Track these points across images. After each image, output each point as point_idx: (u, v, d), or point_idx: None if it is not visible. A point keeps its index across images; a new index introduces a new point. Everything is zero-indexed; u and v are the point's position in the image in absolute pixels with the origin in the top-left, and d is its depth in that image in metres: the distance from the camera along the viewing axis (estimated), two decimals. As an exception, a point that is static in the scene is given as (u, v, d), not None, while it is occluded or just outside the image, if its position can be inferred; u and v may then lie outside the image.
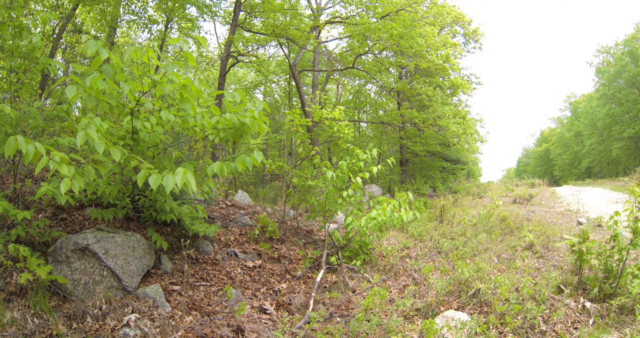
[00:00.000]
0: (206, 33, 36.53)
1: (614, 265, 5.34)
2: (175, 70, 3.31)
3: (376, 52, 17.84)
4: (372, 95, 28.33)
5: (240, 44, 18.52)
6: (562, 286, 5.71)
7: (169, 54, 20.91)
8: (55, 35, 13.63)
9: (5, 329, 3.58)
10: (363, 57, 19.29)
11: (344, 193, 6.36)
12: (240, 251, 6.26)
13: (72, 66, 16.01)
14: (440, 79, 20.97)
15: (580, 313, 5.04)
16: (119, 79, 3.20)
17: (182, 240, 4.95)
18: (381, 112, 27.10)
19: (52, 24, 13.70)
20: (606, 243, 5.56)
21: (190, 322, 4.10)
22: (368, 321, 4.34)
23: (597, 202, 15.59)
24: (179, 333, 3.69)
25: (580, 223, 10.85)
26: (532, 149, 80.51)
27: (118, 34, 18.84)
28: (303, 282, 5.97)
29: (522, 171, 69.63)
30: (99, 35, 16.01)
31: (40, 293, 3.93)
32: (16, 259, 4.18)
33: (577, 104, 54.31)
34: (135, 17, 16.48)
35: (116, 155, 2.94)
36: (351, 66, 17.34)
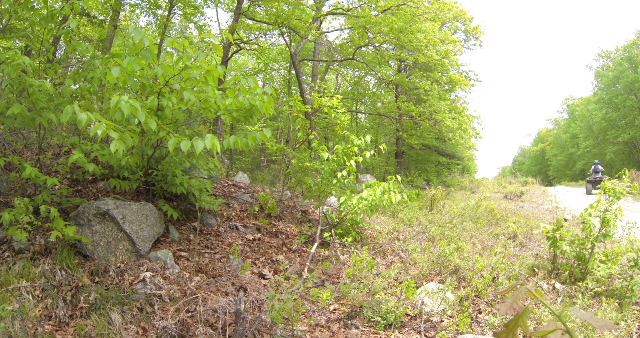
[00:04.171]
0: (209, 20, 36.76)
1: (586, 253, 5.83)
2: (203, 58, 3.82)
3: (376, 44, 18.12)
4: (371, 87, 28.63)
5: (242, 31, 18.83)
6: (535, 269, 6.24)
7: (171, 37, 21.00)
8: (61, 19, 13.86)
9: (34, 281, 4.06)
10: (363, 49, 19.57)
11: (339, 174, 6.88)
12: (241, 225, 6.77)
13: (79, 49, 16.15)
14: (439, 74, 21.27)
15: (550, 293, 5.57)
16: (153, 63, 3.69)
17: (191, 211, 5.42)
18: (379, 104, 27.43)
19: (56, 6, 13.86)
20: (581, 230, 6.05)
21: (198, 281, 4.60)
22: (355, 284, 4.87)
23: (586, 201, 15.95)
24: (192, 284, 4.20)
25: (565, 220, 11.30)
26: (528, 148, 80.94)
27: (119, 17, 18.92)
28: (298, 255, 6.49)
29: (518, 169, 70.02)
30: (101, 18, 16.15)
31: (65, 252, 4.41)
32: (44, 221, 4.66)
33: (574, 107, 54.59)
34: (139, 1, 16.59)
35: (152, 125, 3.43)
36: (351, 57, 17.64)
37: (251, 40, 19.79)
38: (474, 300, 5.12)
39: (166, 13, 16.65)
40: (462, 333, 4.18)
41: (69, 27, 4.38)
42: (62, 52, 7.13)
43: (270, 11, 15.30)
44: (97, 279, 4.22)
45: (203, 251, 5.65)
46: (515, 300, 1.26)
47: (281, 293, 4.24)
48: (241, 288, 4.59)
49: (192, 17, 18.46)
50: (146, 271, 4.42)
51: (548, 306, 1.21)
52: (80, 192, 5.86)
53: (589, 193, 20.10)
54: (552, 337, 1.15)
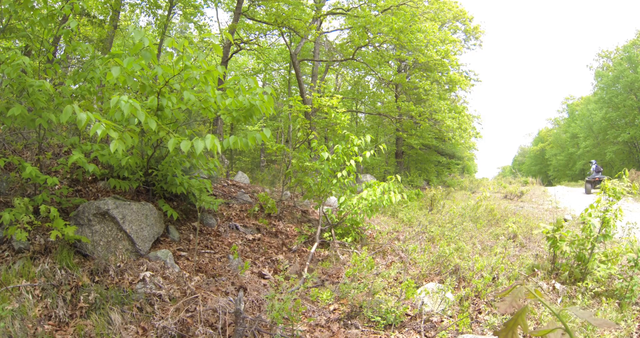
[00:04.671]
0: (209, 19, 36.73)
1: (586, 253, 5.83)
2: (203, 58, 3.83)
3: (376, 44, 18.12)
4: (371, 86, 28.64)
5: (242, 31, 18.83)
6: (535, 270, 6.24)
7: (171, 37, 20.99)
8: (61, 19, 13.77)
9: (34, 280, 4.06)
10: (363, 49, 19.57)
11: (339, 174, 6.88)
12: (241, 225, 6.77)
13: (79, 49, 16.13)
14: (439, 74, 21.27)
15: (550, 293, 5.57)
16: (153, 63, 3.71)
17: (191, 210, 5.42)
18: (379, 103, 27.46)
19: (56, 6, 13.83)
20: (580, 231, 6.04)
21: (198, 281, 4.61)
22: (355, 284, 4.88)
23: (586, 201, 15.89)
24: (192, 284, 4.21)
25: (565, 220, 11.28)
26: (528, 148, 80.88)
27: (119, 17, 18.86)
28: (298, 255, 6.50)
29: (518, 169, 69.99)
30: (101, 18, 16.12)
31: (65, 251, 4.41)
32: (44, 220, 4.67)
33: (574, 107, 54.54)
34: (139, 1, 16.56)
35: (152, 125, 3.44)
36: (351, 57, 17.64)
37: (251, 40, 19.80)
38: (474, 300, 5.12)
39: (166, 13, 16.63)
40: (462, 333, 4.18)
41: (69, 27, 4.39)
42: (62, 52, 7.15)
43: (270, 11, 15.30)
44: (97, 279, 4.22)
45: (203, 251, 5.65)
46: (515, 299, 1.26)
47: (281, 293, 4.24)
48: (241, 288, 4.59)
49: (192, 17, 18.45)
50: (146, 270, 4.43)
51: (547, 305, 1.21)
52: (80, 192, 5.86)
53: (588, 192, 20.40)
54: (552, 337, 1.15)
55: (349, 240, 7.01)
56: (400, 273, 5.85)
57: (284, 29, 16.59)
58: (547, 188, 27.10)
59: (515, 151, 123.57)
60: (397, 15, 15.16)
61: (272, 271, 5.65)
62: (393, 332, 4.30)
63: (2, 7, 4.66)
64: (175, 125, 5.01)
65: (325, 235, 7.18)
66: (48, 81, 5.08)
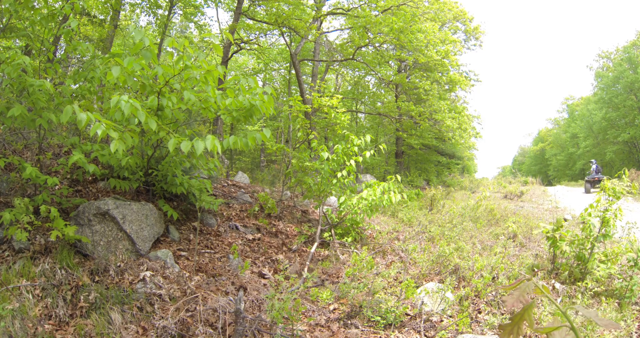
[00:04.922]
0: (210, 19, 36.72)
1: (585, 253, 5.83)
2: (203, 58, 3.85)
3: (376, 44, 18.12)
4: (371, 87, 28.66)
5: (242, 31, 18.85)
6: (535, 270, 6.24)
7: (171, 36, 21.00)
8: (61, 18, 13.75)
9: (34, 280, 4.06)
10: (363, 49, 19.59)
11: (339, 174, 6.89)
12: (241, 225, 6.78)
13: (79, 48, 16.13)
14: (439, 74, 21.29)
15: (550, 293, 5.57)
16: (153, 63, 3.72)
17: (191, 210, 5.43)
18: (379, 103, 27.47)
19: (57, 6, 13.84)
20: (580, 230, 6.04)
21: (198, 280, 4.61)
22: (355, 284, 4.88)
23: (585, 201, 15.84)
24: (192, 283, 4.21)
25: (565, 220, 11.27)
26: (528, 147, 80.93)
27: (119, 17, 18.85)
28: (298, 255, 6.51)
29: (518, 169, 69.97)
30: (101, 17, 16.13)
31: (65, 251, 4.42)
32: (44, 220, 4.67)
33: (574, 107, 54.57)
34: (140, 1, 16.56)
35: (152, 125, 3.45)
36: (351, 57, 17.64)
37: (251, 40, 19.82)
38: (474, 299, 5.13)
39: (166, 13, 16.64)
40: (461, 333, 4.19)
41: (70, 26, 4.40)
42: (63, 51, 7.16)
43: (270, 11, 15.31)
44: (97, 278, 4.22)
45: (203, 250, 5.66)
46: (522, 293, 1.26)
47: (281, 292, 4.25)
48: (241, 288, 4.60)
49: (192, 17, 18.47)
50: (146, 270, 4.43)
51: (554, 302, 1.21)
52: (81, 192, 5.86)
53: (587, 192, 20.56)
54: (556, 334, 1.15)
55: (349, 239, 7.01)
56: (400, 273, 5.85)
57: (284, 29, 16.59)
58: (547, 188, 27.12)
59: (515, 151, 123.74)
60: (397, 15, 15.16)
61: (272, 271, 5.66)
62: (393, 331, 4.30)
63: (3, 6, 4.66)
64: (175, 125, 5.02)
65: (325, 234, 7.19)
66: (48, 80, 5.08)
